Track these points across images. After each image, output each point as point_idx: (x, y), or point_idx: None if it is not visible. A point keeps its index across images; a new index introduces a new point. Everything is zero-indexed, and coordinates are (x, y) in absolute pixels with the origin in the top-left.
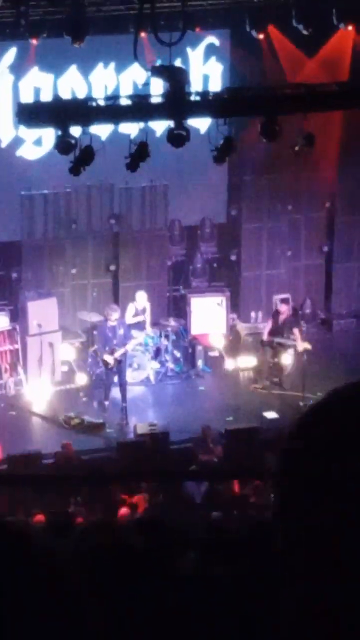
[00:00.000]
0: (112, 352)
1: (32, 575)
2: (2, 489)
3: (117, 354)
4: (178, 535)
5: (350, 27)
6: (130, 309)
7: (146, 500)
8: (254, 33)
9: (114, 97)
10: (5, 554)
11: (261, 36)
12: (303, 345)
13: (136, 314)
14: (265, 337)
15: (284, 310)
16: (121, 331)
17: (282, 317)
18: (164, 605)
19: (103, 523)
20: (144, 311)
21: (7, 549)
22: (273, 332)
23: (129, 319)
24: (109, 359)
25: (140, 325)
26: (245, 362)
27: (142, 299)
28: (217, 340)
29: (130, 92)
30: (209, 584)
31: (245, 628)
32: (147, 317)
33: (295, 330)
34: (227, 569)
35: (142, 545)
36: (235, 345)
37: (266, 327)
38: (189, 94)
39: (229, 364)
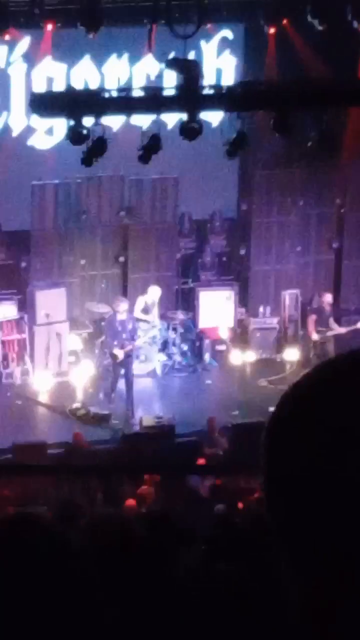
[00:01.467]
0: (122, 347)
1: (45, 563)
2: (7, 478)
3: (127, 349)
4: (184, 530)
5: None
6: (140, 302)
7: (152, 493)
8: (265, 27)
9: (126, 89)
10: (19, 543)
11: (272, 30)
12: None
13: (145, 308)
14: (315, 336)
15: (330, 299)
16: (130, 325)
17: (328, 309)
18: (167, 599)
19: (110, 514)
20: (153, 305)
21: (21, 539)
22: (320, 330)
23: (137, 312)
24: (119, 353)
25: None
26: (255, 356)
27: (154, 293)
28: (223, 331)
29: (143, 84)
30: (213, 578)
31: (249, 624)
32: (156, 310)
33: (331, 320)
34: (231, 564)
35: (148, 538)
36: (243, 339)
37: (310, 325)
38: (203, 87)
39: (236, 357)
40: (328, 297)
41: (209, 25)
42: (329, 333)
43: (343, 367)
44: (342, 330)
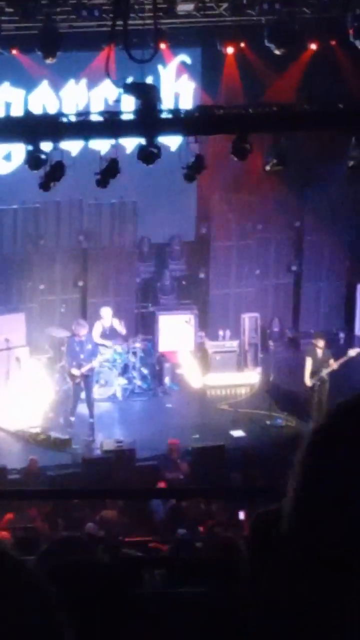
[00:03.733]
0: (79, 367)
1: (6, 592)
2: None
3: (84, 369)
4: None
5: (314, 46)
6: (97, 327)
7: (112, 517)
8: (222, 48)
9: (85, 114)
10: None
11: (230, 50)
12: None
13: (104, 333)
14: (309, 381)
15: (323, 344)
16: (89, 346)
17: (320, 352)
18: (131, 623)
19: (70, 539)
20: (113, 329)
21: None
22: (314, 372)
23: (96, 338)
24: (76, 372)
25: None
26: (215, 380)
27: (107, 315)
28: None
29: (101, 108)
30: (174, 602)
31: None
32: (122, 330)
33: (331, 361)
34: (192, 587)
35: (110, 562)
36: (203, 363)
37: (307, 370)
38: (161, 111)
39: (197, 381)
40: (321, 343)
41: (164, 48)
42: (324, 372)
43: None
44: (335, 365)
